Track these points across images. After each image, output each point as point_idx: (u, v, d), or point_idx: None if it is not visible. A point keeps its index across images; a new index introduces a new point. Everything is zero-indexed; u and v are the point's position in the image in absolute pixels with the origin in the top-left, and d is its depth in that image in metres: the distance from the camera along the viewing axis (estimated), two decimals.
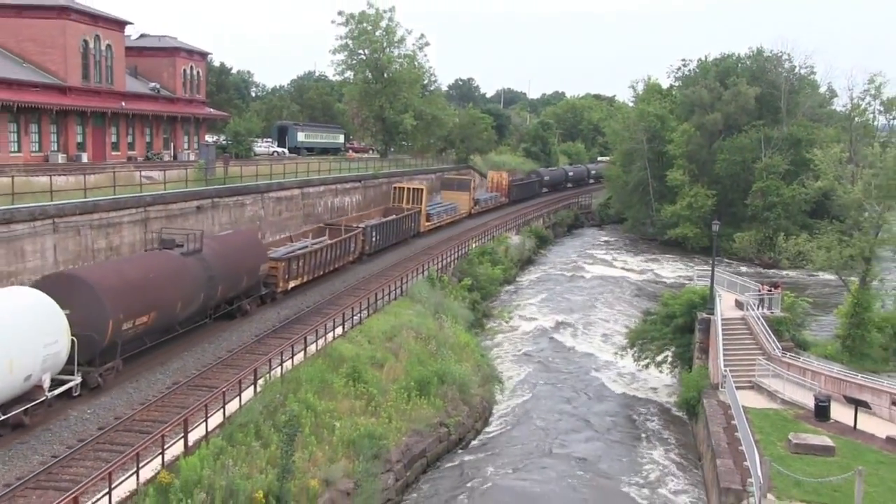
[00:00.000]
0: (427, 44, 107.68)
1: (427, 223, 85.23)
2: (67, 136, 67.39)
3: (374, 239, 68.45)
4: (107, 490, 23.66)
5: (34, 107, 62.80)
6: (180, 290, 38.77)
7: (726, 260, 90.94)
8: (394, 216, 76.79)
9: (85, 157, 67.12)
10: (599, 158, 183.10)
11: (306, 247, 57.86)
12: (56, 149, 65.65)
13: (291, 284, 52.72)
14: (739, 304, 50.02)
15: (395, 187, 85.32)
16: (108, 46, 73.10)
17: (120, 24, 75.58)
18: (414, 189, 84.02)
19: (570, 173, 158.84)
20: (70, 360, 31.16)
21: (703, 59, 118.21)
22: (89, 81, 70.35)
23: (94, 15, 71.76)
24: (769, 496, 29.59)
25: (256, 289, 48.89)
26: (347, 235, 63.28)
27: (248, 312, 47.93)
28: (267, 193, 61.90)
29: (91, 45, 70.72)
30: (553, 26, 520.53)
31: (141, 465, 25.41)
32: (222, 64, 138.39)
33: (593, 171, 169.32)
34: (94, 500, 23.39)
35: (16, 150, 61.29)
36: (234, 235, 50.16)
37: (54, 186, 41.89)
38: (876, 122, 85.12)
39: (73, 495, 22.70)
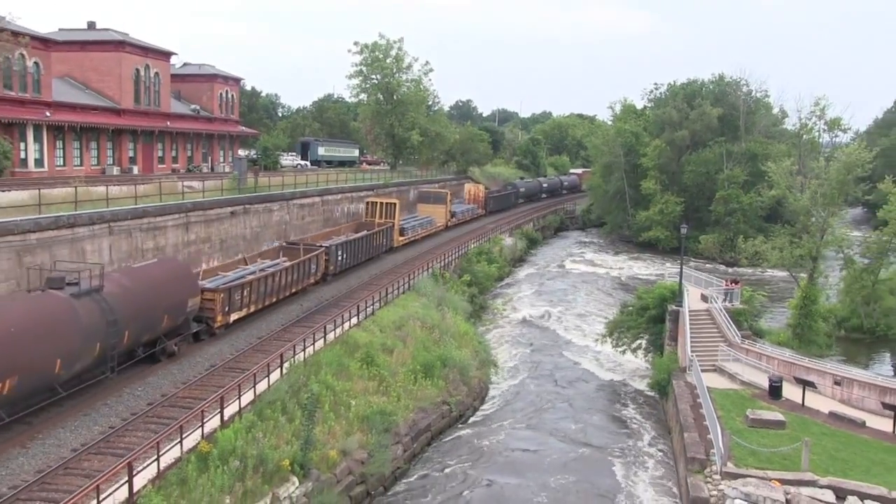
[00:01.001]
0: (431, 69, 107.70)
1: (401, 238, 74.44)
2: (121, 151, 67.87)
3: (339, 258, 57.55)
4: (155, 457, 23.84)
5: (94, 127, 63.45)
6: (61, 343, 27.10)
7: (693, 259, 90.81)
8: (365, 232, 65.50)
9: (136, 170, 67.62)
10: (571, 171, 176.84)
11: (255, 272, 46.25)
12: (111, 162, 66.18)
13: (234, 317, 40.80)
14: (704, 298, 50.03)
15: (367, 202, 73.79)
16: (157, 74, 73.53)
17: (166, 55, 76.00)
18: (387, 203, 72.50)
19: (545, 185, 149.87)
20: None
21: (673, 83, 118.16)
22: (140, 104, 70.87)
23: (145, 48, 72.35)
24: (729, 464, 29.74)
25: (185, 326, 37.02)
26: (307, 256, 51.81)
27: (177, 354, 36.20)
28: (291, 200, 61.94)
29: (142, 73, 71.25)
30: (541, 52, 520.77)
31: (184, 436, 25.51)
32: (253, 88, 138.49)
33: (566, 183, 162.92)
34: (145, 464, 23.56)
35: (79, 163, 61.86)
36: (154, 267, 36.68)
37: (110, 195, 41.94)
38: (821, 139, 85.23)
39: (128, 461, 22.87)
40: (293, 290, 49.12)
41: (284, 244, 56.24)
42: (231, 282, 42.63)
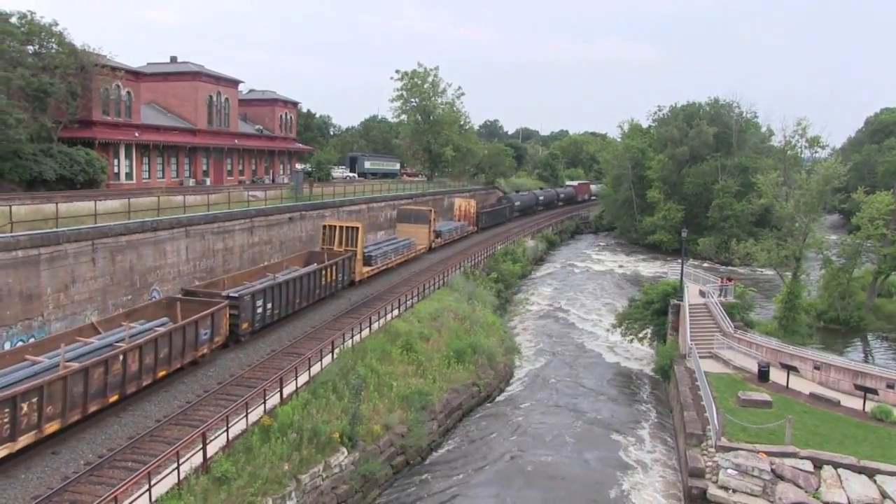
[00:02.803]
0: (463, 93, 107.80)
1: (365, 269, 53.46)
2: (196, 165, 68.75)
3: (259, 310, 36.68)
4: (225, 428, 24.17)
5: (174, 145, 64.43)
6: None
7: (692, 259, 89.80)
8: (315, 266, 45.04)
9: (208, 181, 68.43)
10: (567, 183, 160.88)
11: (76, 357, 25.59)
12: (188, 175, 67.11)
13: (22, 443, 21.78)
14: (702, 293, 49.60)
15: (324, 226, 52.57)
16: (226, 99, 74.39)
17: (235, 83, 76.85)
18: (347, 228, 51.66)
19: (541, 197, 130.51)
20: None
21: (674, 105, 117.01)
22: (212, 125, 71.78)
23: (217, 77, 73.29)
24: (723, 439, 29.55)
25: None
26: (199, 316, 31.22)
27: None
28: (341, 208, 62.31)
29: (214, 99, 72.21)
30: (559, 78, 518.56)
31: (249, 411, 25.83)
32: (308, 110, 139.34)
33: (562, 195, 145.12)
34: (216, 434, 23.94)
35: (161, 176, 62.90)
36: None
37: (186, 203, 42.61)
38: (802, 155, 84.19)
39: (202, 431, 23.26)
40: (167, 370, 28.96)
41: (181, 294, 35.95)
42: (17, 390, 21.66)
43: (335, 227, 52.16)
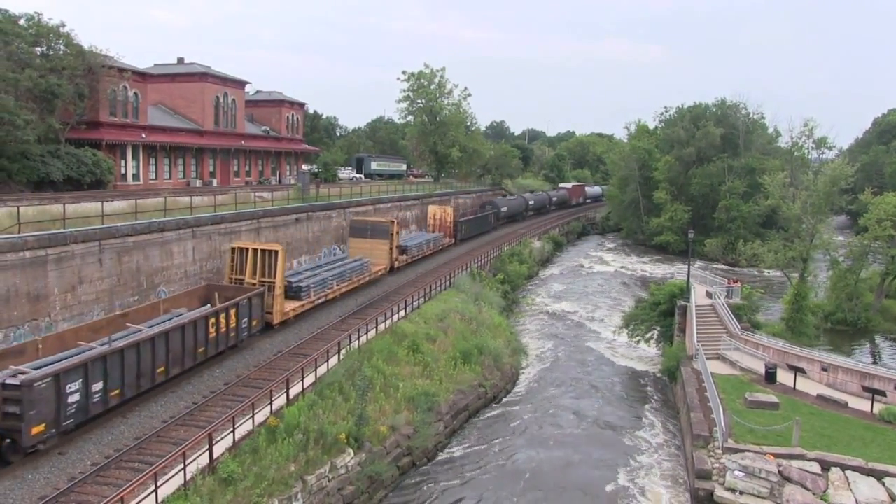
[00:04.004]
0: (469, 94, 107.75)
1: (291, 306, 40.77)
2: (203, 166, 68.84)
3: (73, 400, 23.26)
4: (231, 429, 24.19)
5: (181, 146, 64.57)
6: None
7: (699, 260, 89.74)
8: (208, 308, 33.49)
9: (215, 182, 68.53)
10: (561, 185, 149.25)
11: None
12: (195, 176, 67.18)
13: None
14: (709, 295, 49.51)
15: (232, 249, 39.82)
16: (233, 100, 74.50)
17: (241, 84, 76.93)
18: (263, 251, 38.94)
19: (531, 202, 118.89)
20: None
21: (681, 106, 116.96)
22: (219, 126, 71.86)
23: (224, 78, 73.40)
24: (730, 440, 29.44)
25: None
26: None
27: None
28: (348, 209, 62.26)
29: (221, 99, 72.32)
30: (566, 79, 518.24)
31: (255, 412, 25.86)
32: (315, 111, 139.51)
33: (555, 199, 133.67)
34: (223, 435, 23.92)
35: (168, 177, 63.03)
36: None
37: (193, 204, 42.65)
38: (809, 156, 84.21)
39: (208, 431, 23.26)
40: None
41: None
42: None
43: (246, 249, 39.06)
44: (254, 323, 35.69)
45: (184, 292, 36.40)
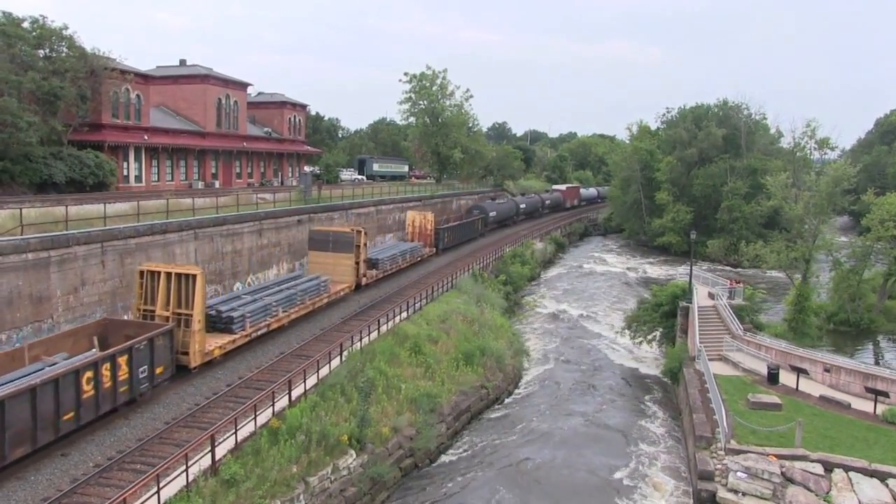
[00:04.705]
0: (471, 95, 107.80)
1: (216, 342, 33.24)
2: (205, 168, 68.90)
3: None
4: (233, 431, 24.17)
5: (183, 148, 64.62)
6: None
7: (701, 261, 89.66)
8: (84, 357, 25.53)
9: (217, 184, 68.59)
10: (554, 187, 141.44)
11: None
12: (197, 178, 67.22)
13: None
14: (711, 295, 49.41)
15: (141, 271, 31.98)
16: (235, 102, 74.57)
17: (243, 86, 76.99)
18: (179, 275, 31.34)
19: (522, 205, 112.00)
20: None
21: (683, 107, 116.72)
22: (221, 128, 71.93)
23: (226, 80, 73.47)
24: (732, 441, 29.40)
25: None
26: None
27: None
28: (350, 210, 62.32)
29: (223, 101, 72.39)
30: (568, 80, 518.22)
31: (257, 413, 25.86)
32: (317, 113, 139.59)
33: (548, 202, 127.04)
34: (225, 437, 23.90)
35: (170, 179, 63.08)
36: None
37: (195, 206, 42.71)
38: (812, 156, 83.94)
39: (210, 433, 23.25)
40: None
41: None
42: None
43: (158, 273, 31.36)
44: (158, 370, 28.07)
45: (66, 332, 28.29)
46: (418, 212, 72.15)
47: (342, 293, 47.73)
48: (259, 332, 36.42)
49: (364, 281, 51.53)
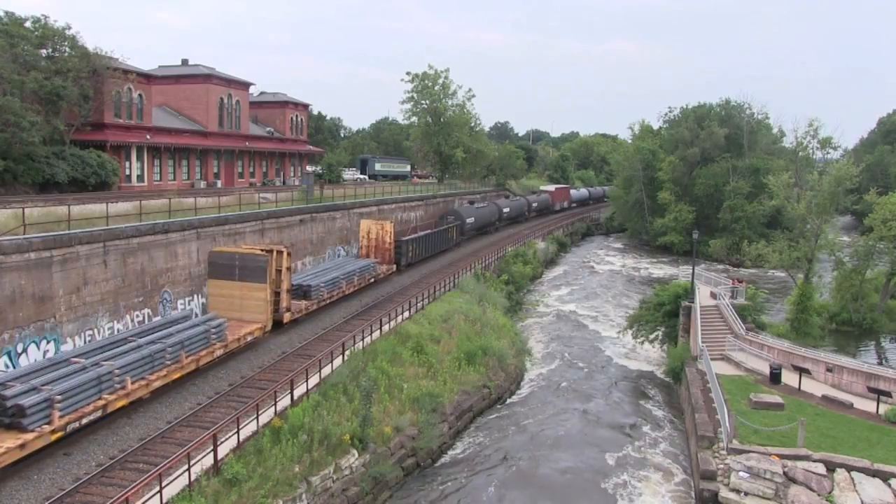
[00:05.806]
0: (473, 95, 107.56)
1: (8, 443, 20.47)
2: (207, 168, 68.91)
3: None
4: (236, 430, 24.19)
5: (185, 147, 64.64)
6: None
7: (703, 261, 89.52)
8: None
9: (219, 184, 68.59)
10: (542, 188, 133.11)
11: None
12: (199, 177, 67.21)
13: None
14: (713, 295, 49.37)
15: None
16: (237, 102, 74.60)
17: (246, 85, 77.00)
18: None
19: (505, 209, 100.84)
20: None
21: (685, 106, 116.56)
22: (223, 128, 71.94)
23: (228, 79, 73.51)
24: (735, 441, 29.39)
25: None
26: None
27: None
28: (352, 210, 62.27)
29: (225, 101, 72.43)
30: (570, 79, 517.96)
31: (260, 413, 25.86)
32: (319, 112, 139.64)
33: (535, 204, 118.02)
34: (227, 436, 23.92)
35: (172, 178, 63.05)
36: None
37: (197, 205, 42.70)
38: (814, 156, 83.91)
39: (213, 433, 23.26)
40: None
41: None
42: None
43: None
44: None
45: None
46: (374, 222, 58.85)
47: (248, 338, 35.03)
48: (87, 420, 23.96)
49: (288, 317, 39.52)
